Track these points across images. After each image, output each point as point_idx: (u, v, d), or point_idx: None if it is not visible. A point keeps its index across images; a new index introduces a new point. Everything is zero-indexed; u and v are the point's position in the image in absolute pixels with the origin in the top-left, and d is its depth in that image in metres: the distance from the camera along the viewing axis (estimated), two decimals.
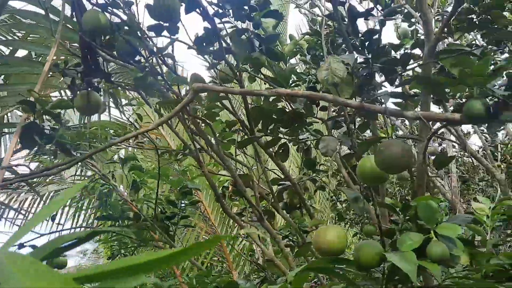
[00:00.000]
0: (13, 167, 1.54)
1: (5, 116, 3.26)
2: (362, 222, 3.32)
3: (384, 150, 1.06)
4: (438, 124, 1.58)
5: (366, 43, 1.89)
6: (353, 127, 1.44)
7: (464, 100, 1.24)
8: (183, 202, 2.74)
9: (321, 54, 2.58)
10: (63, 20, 2.24)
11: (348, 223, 3.47)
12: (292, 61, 3.38)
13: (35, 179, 5.68)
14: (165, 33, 1.89)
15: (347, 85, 1.33)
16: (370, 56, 1.76)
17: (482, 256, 1.28)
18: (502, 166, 3.93)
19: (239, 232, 4.10)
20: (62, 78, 2.72)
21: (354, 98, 1.49)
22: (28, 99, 1.50)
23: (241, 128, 2.18)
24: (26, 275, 0.34)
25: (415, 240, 1.10)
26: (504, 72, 1.16)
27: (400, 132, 3.57)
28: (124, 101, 2.89)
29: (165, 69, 1.93)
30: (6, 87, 2.61)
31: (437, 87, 1.03)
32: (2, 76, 2.73)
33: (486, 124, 1.04)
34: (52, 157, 2.18)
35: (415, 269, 1.01)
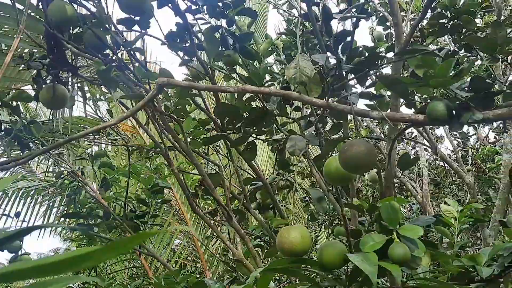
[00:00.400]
0: None
1: None
2: (334, 223, 3.33)
3: (347, 149, 1.05)
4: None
5: (340, 44, 1.90)
6: (321, 126, 1.43)
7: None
8: (158, 201, 2.70)
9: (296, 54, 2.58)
10: (33, 11, 2.17)
11: (322, 224, 3.48)
12: (270, 60, 3.37)
13: (5, 175, 5.52)
14: (136, 28, 1.85)
15: (315, 84, 1.32)
16: (344, 57, 1.76)
17: (443, 258, 1.29)
18: (472, 170, 4.00)
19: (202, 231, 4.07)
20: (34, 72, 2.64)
21: (325, 98, 1.48)
22: None
23: (213, 127, 2.15)
24: None
25: (377, 241, 1.10)
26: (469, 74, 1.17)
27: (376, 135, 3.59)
28: (99, 97, 2.83)
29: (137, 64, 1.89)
30: None
31: (399, 87, 1.03)
32: None
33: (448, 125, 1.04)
34: (20, 152, 2.12)
35: (375, 270, 1.00)
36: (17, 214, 2.37)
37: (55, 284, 0.46)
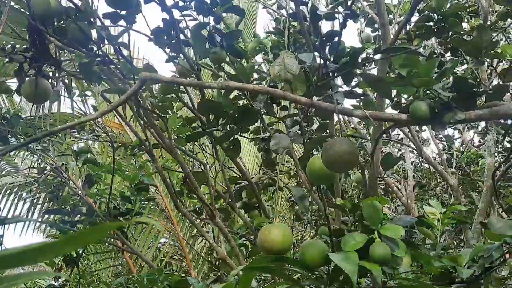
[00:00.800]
0: None
1: None
2: (320, 223, 3.34)
3: (329, 148, 1.05)
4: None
5: (327, 44, 1.90)
6: (306, 125, 1.43)
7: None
8: (142, 198, 2.67)
9: None
10: (16, 3, 2.14)
11: (308, 224, 3.48)
12: (259, 60, 3.37)
13: None
14: (123, 23, 1.83)
15: (300, 82, 1.32)
16: (331, 57, 1.76)
17: (424, 258, 1.29)
18: (457, 173, 4.04)
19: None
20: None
21: (310, 96, 1.48)
22: None
23: (200, 125, 2.14)
24: None
25: (359, 240, 1.10)
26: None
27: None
28: (85, 92, 2.79)
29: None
30: None
31: (383, 86, 1.03)
32: None
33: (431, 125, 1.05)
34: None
35: (355, 269, 1.00)
36: None
37: (19, 279, 0.44)
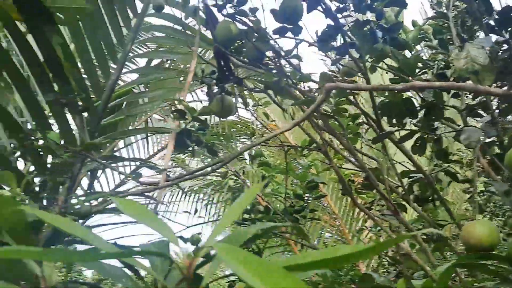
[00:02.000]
0: (163, 168, 1.75)
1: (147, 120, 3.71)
2: (506, 215, 3.04)
3: None
4: None
5: (506, 23, 1.74)
6: (497, 115, 1.35)
7: None
8: (309, 197, 2.82)
9: (449, 37, 2.43)
10: (196, 33, 2.46)
11: (489, 216, 3.21)
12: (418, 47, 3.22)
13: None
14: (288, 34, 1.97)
15: (488, 72, 1.26)
16: (510, 36, 1.62)
17: None
18: None
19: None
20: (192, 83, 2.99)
21: (495, 85, 1.39)
22: (177, 108, 1.70)
23: (365, 121, 2.16)
24: (248, 266, 0.40)
25: None
26: None
27: None
28: (252, 102, 3.07)
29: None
30: (145, 94, 2.94)
31: None
32: (142, 85, 3.09)
33: None
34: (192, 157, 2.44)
35: None
36: (195, 211, 2.73)
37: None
